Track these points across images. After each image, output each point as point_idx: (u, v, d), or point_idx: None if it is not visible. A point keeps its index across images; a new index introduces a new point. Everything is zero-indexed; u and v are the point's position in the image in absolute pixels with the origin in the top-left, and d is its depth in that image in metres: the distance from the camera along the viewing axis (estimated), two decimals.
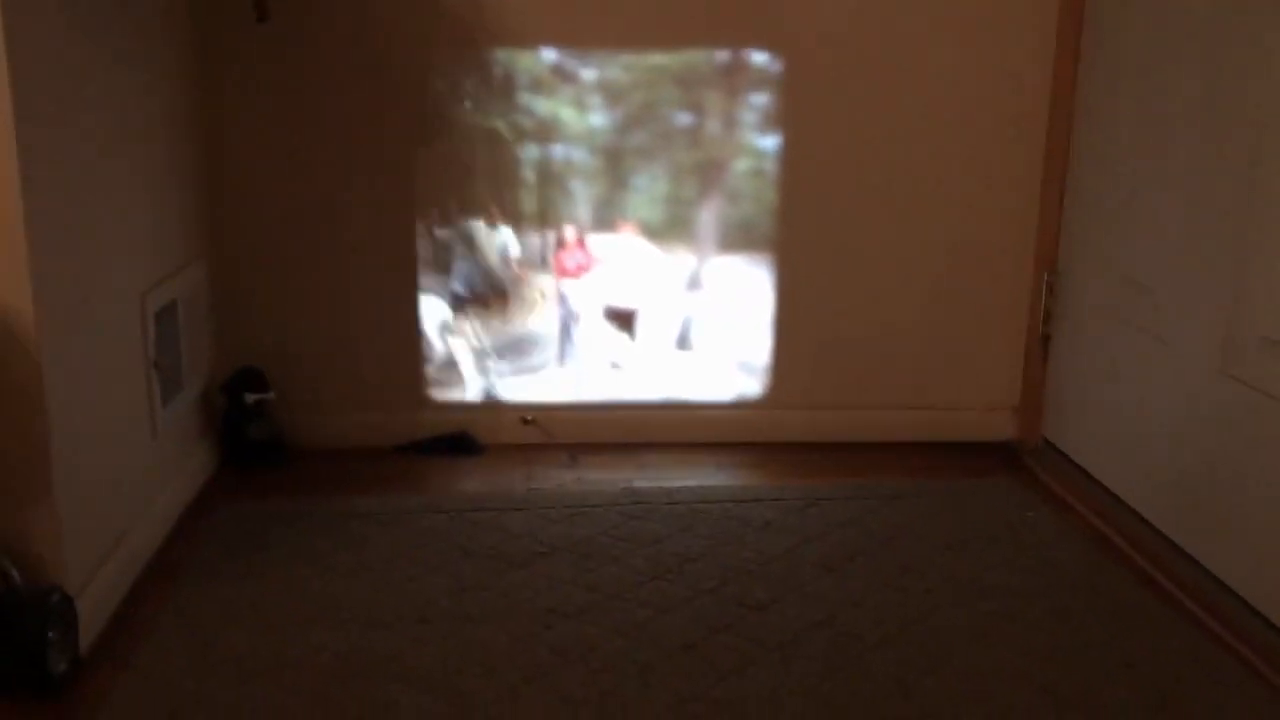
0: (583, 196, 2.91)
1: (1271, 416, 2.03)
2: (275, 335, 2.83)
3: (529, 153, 2.85)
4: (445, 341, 2.93)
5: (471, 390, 2.95)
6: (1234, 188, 2.14)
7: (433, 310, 2.90)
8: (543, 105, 2.84)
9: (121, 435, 2.20)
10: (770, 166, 2.91)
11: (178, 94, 2.55)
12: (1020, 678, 1.91)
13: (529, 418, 2.95)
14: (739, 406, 3.03)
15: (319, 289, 2.83)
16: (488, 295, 2.94)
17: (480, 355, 2.94)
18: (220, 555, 2.29)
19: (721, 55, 2.84)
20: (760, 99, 2.88)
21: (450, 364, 2.93)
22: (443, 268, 2.88)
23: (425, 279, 2.87)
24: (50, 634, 1.78)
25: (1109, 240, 2.62)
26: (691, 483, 2.73)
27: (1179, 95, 2.34)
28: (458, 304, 2.91)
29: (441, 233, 2.86)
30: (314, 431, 2.86)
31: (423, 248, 2.85)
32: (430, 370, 2.92)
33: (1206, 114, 2.24)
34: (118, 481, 2.15)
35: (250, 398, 2.72)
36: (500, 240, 2.90)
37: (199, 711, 1.77)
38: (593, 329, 2.99)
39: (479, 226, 2.88)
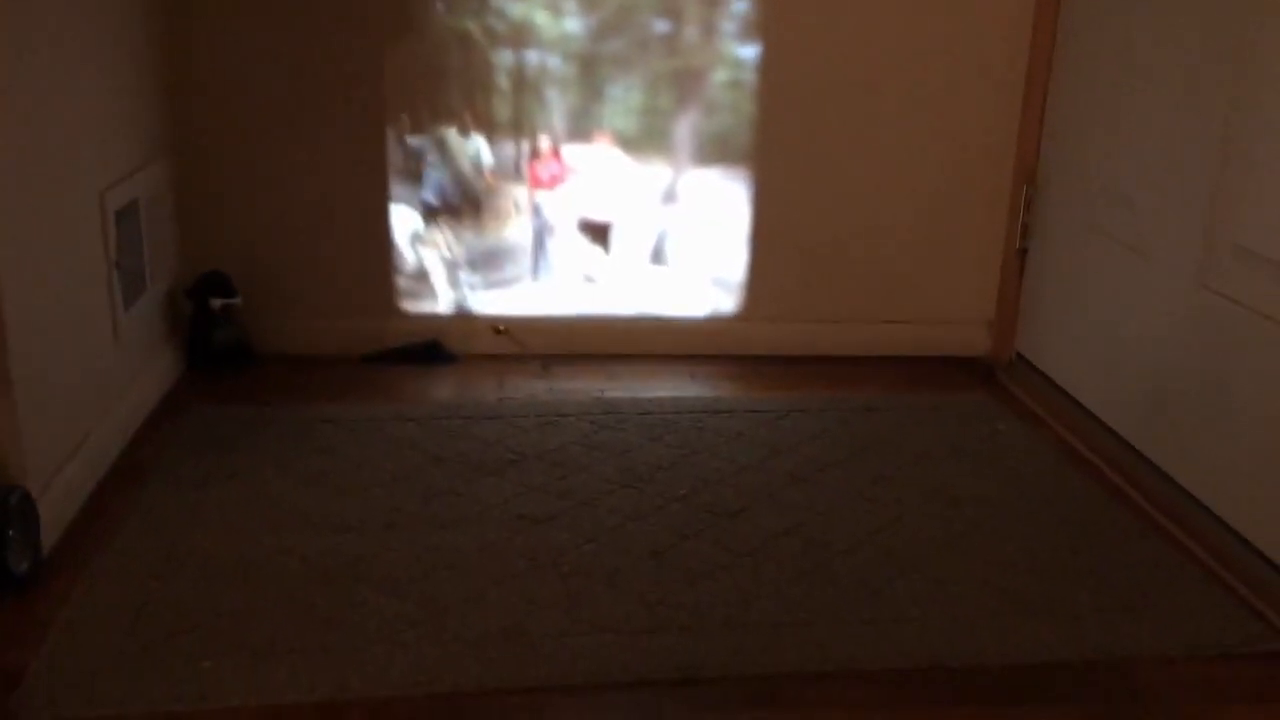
0: (557, 105, 2.84)
1: (1246, 328, 2.02)
2: (242, 239, 2.78)
3: (503, 58, 2.78)
4: (417, 252, 2.88)
5: (443, 302, 2.91)
6: (1213, 100, 2.11)
7: (404, 219, 2.85)
8: (516, 8, 2.76)
9: (83, 336, 2.15)
10: (749, 77, 2.85)
11: (129, 2, 2.46)
12: (986, 584, 1.92)
13: (501, 328, 2.92)
14: (713, 320, 3.00)
15: (287, 193, 2.77)
16: (460, 205, 2.88)
17: (452, 266, 2.89)
18: (186, 458, 2.26)
19: None
20: (740, 6, 2.80)
21: (422, 274, 2.89)
22: (414, 176, 2.82)
23: (397, 187, 2.81)
24: (10, 532, 1.76)
25: (1089, 153, 2.59)
26: (664, 394, 2.72)
27: (1161, 7, 2.29)
28: (430, 213, 2.85)
29: (413, 140, 2.80)
30: (281, 338, 2.82)
31: (394, 154, 2.79)
32: (401, 280, 2.88)
33: (1187, 25, 2.20)
34: (80, 382, 2.11)
35: (216, 302, 2.67)
36: (473, 149, 2.84)
37: (164, 610, 1.76)
38: (567, 241, 2.94)
39: (451, 134, 2.82)
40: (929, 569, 1.96)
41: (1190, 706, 1.66)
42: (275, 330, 2.82)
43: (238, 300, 2.71)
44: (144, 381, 2.46)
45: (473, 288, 2.91)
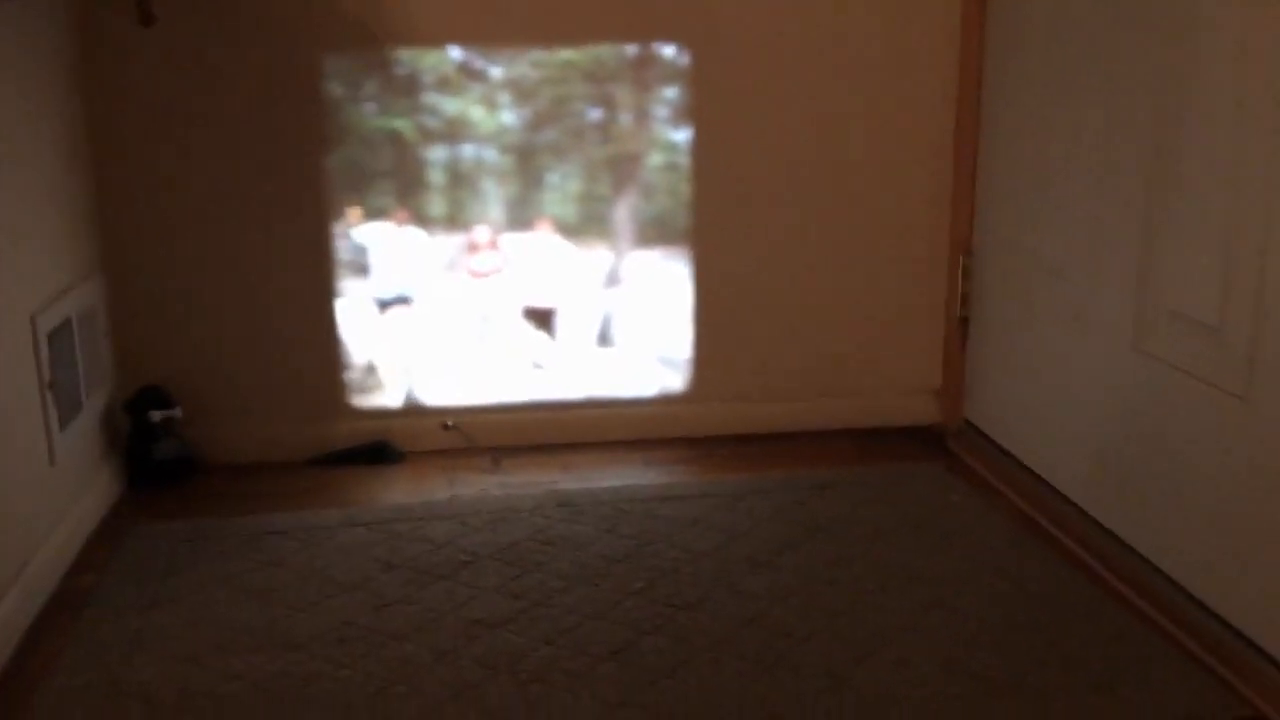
0: (495, 196, 2.85)
1: (1181, 389, 2.05)
2: (181, 349, 2.73)
3: (437, 154, 2.79)
4: (365, 346, 2.85)
5: (393, 395, 2.88)
6: (1138, 167, 2.16)
7: (352, 315, 2.82)
8: (450, 105, 2.77)
9: (17, 463, 2.09)
10: (683, 160, 2.88)
11: (62, 105, 2.44)
12: (951, 664, 1.90)
13: (450, 423, 2.89)
14: (663, 402, 2.99)
15: (224, 300, 2.74)
16: (407, 298, 2.87)
17: (402, 359, 2.87)
18: (128, 582, 2.19)
19: (630, 49, 2.80)
20: (671, 92, 2.84)
21: (370, 369, 2.86)
22: (360, 270, 2.81)
23: (343, 282, 2.79)
24: None
25: (1021, 222, 2.63)
26: (617, 482, 2.69)
27: (1083, 80, 2.35)
28: (380, 307, 2.84)
29: (357, 235, 2.78)
30: (225, 447, 2.77)
31: (339, 250, 2.77)
32: (349, 377, 2.84)
33: (1110, 97, 2.25)
34: (15, 510, 2.05)
35: (156, 415, 2.62)
36: (411, 242, 2.83)
37: None
38: (511, 330, 2.93)
39: (389, 229, 2.81)
40: (892, 652, 1.94)
41: None
42: (220, 439, 2.76)
43: (177, 412, 2.65)
44: (83, 503, 2.39)
45: (429, 378, 2.88)
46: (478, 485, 2.69)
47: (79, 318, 2.43)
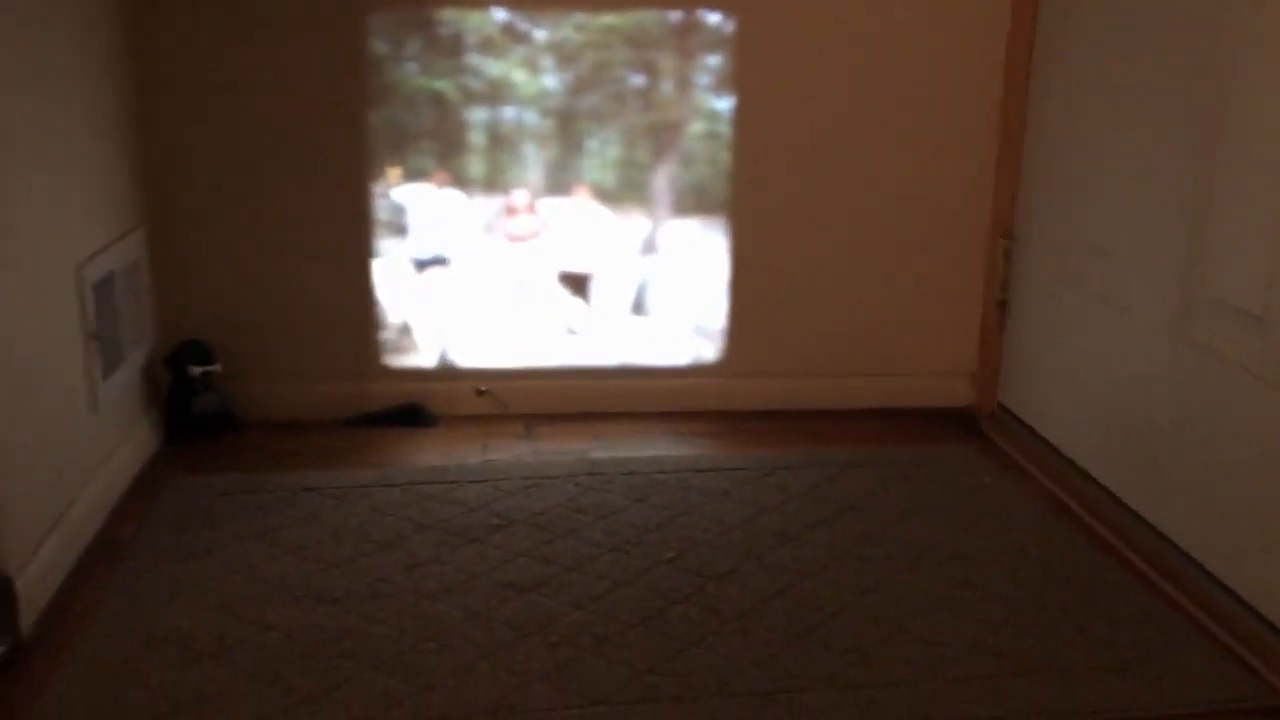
0: (535, 160, 2.85)
1: (1222, 379, 2.03)
2: (221, 305, 2.76)
3: (478, 115, 2.79)
4: (402, 306, 2.87)
5: (427, 357, 2.90)
6: (1187, 154, 2.14)
7: (390, 274, 2.84)
8: (493, 66, 2.77)
9: (60, 410, 2.13)
10: (724, 129, 2.87)
11: (111, 61, 2.46)
12: (977, 644, 1.91)
13: (483, 389, 2.91)
14: (696, 373, 3.00)
15: (265, 257, 2.76)
16: (445, 259, 2.88)
17: (438, 318, 2.89)
18: (166, 533, 2.23)
19: (674, 15, 2.79)
20: (714, 60, 2.83)
21: (406, 329, 2.88)
22: (399, 230, 2.82)
23: (381, 241, 2.81)
24: None
25: (1065, 207, 2.61)
26: (649, 453, 2.71)
27: (1134, 62, 2.32)
28: (417, 267, 2.85)
29: (396, 196, 2.80)
30: (263, 404, 2.80)
31: (378, 210, 2.79)
32: (384, 337, 2.86)
33: (1161, 81, 2.23)
34: (57, 458, 2.09)
35: (196, 370, 2.65)
36: (450, 204, 2.84)
37: (144, 695, 1.72)
38: (547, 295, 2.94)
39: (429, 190, 2.83)
40: (919, 630, 1.95)
41: None
42: (256, 396, 2.80)
43: (217, 367, 2.69)
44: (123, 453, 2.43)
45: (464, 340, 2.90)
46: (511, 451, 2.71)
47: (123, 271, 2.46)
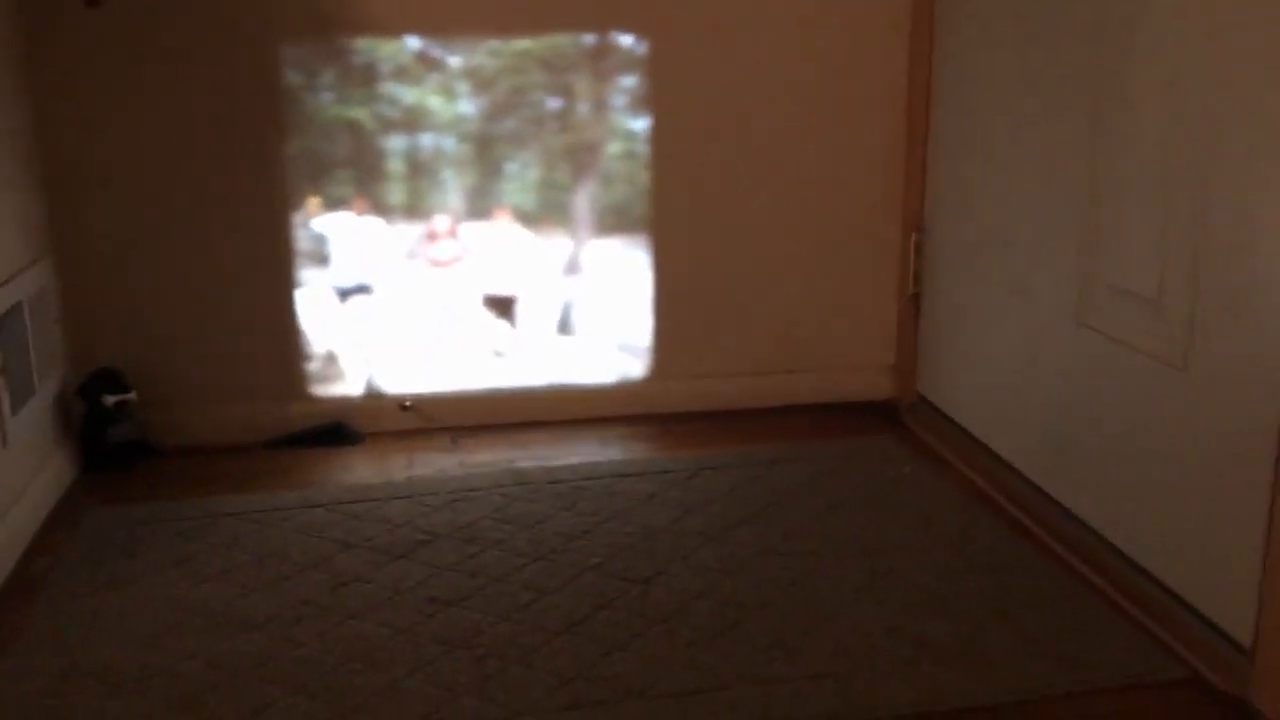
0: (454, 185, 2.85)
1: (1122, 362, 2.09)
2: (135, 334, 2.72)
3: (396, 143, 2.78)
4: (326, 335, 2.85)
5: (354, 384, 2.88)
6: (1079, 144, 2.19)
7: (313, 303, 2.82)
8: (408, 94, 2.77)
9: None
10: (642, 148, 2.90)
11: (7, 88, 2.42)
12: (899, 632, 1.94)
13: (407, 404, 2.90)
14: (623, 386, 3.01)
15: (180, 286, 2.72)
16: (368, 287, 2.87)
17: (363, 347, 2.87)
18: (84, 565, 2.20)
19: (588, 38, 2.81)
20: (628, 81, 2.85)
21: (330, 357, 2.86)
22: (320, 260, 2.80)
23: (303, 271, 2.78)
24: None
25: (970, 199, 2.67)
26: (575, 460, 2.72)
27: (1027, 56, 2.38)
28: (341, 296, 2.84)
29: (317, 225, 2.78)
30: (182, 430, 2.76)
31: (299, 240, 2.76)
32: (309, 366, 2.84)
33: (1053, 76, 2.29)
34: None
35: (110, 399, 2.61)
36: (370, 232, 2.83)
37: None
38: (472, 318, 2.94)
39: (348, 219, 2.81)
40: (842, 621, 1.98)
41: None
42: (175, 423, 2.76)
43: (132, 395, 2.65)
44: (37, 488, 2.39)
45: (389, 365, 2.89)
46: (436, 465, 2.70)
47: (30, 301, 2.42)
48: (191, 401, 2.78)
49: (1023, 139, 2.42)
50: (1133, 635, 1.94)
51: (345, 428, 2.83)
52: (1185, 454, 1.94)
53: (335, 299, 2.85)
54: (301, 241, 2.77)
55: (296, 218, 2.76)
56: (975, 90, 2.62)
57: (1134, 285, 2.05)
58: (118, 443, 2.63)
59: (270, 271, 2.77)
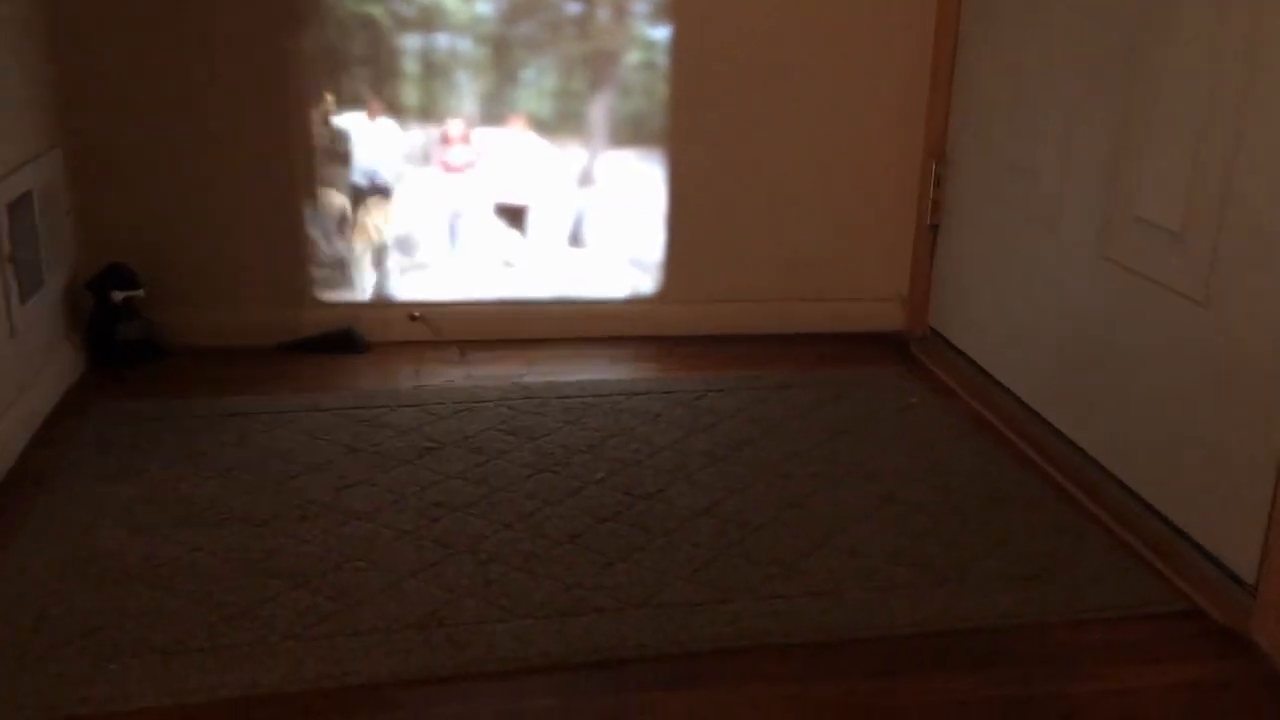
0: (469, 89, 2.81)
1: (1144, 298, 2.07)
2: (146, 229, 2.70)
3: (411, 42, 2.74)
4: (338, 237, 2.82)
5: (363, 289, 2.87)
6: (1112, 73, 2.15)
7: (328, 203, 2.79)
8: None
9: None
10: (661, 59, 2.84)
11: None
12: (899, 555, 1.95)
13: (416, 314, 2.89)
14: (633, 302, 3.00)
15: (192, 182, 2.70)
16: (383, 188, 2.84)
17: (379, 250, 2.85)
18: (90, 457, 2.20)
19: None
20: None
21: (339, 262, 2.84)
22: (340, 159, 2.77)
23: (321, 169, 2.75)
24: None
25: (995, 129, 2.63)
26: (582, 377, 2.71)
27: None
28: (357, 196, 2.81)
29: (335, 123, 2.74)
30: (189, 330, 2.75)
31: (317, 137, 2.73)
32: (318, 269, 2.82)
33: (1089, 4, 2.24)
34: None
35: (118, 295, 2.60)
36: (385, 134, 2.79)
37: (67, 613, 1.71)
38: (482, 225, 2.91)
39: (362, 121, 2.77)
40: (843, 542, 1.98)
41: (1096, 667, 1.70)
42: (184, 323, 2.75)
43: (141, 292, 2.64)
44: (44, 379, 2.39)
45: (399, 271, 2.87)
46: (443, 376, 2.70)
47: (40, 191, 2.40)
48: (201, 301, 2.77)
49: (1053, 66, 2.37)
50: (1133, 567, 1.95)
51: (353, 335, 2.82)
52: (1199, 391, 1.92)
53: (349, 198, 2.82)
54: (320, 139, 2.74)
55: (315, 113, 2.72)
56: (1005, 17, 2.57)
57: (1158, 218, 2.03)
58: (126, 339, 2.63)
59: (283, 169, 2.73)
